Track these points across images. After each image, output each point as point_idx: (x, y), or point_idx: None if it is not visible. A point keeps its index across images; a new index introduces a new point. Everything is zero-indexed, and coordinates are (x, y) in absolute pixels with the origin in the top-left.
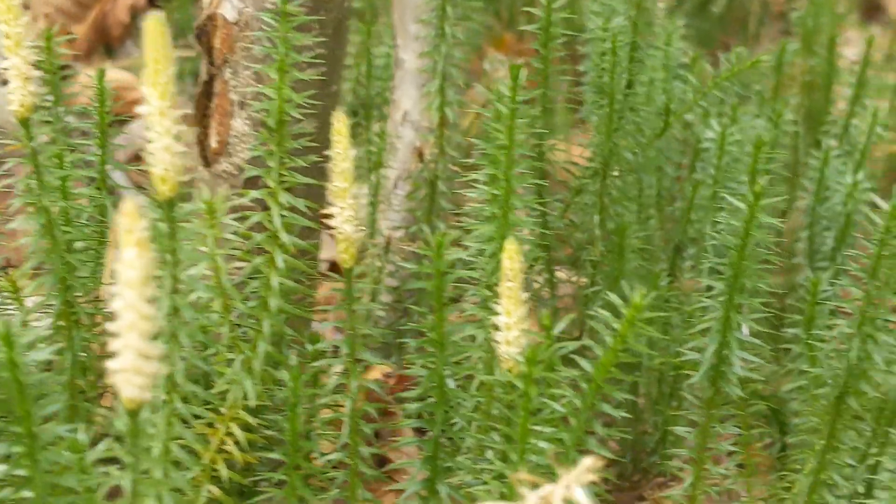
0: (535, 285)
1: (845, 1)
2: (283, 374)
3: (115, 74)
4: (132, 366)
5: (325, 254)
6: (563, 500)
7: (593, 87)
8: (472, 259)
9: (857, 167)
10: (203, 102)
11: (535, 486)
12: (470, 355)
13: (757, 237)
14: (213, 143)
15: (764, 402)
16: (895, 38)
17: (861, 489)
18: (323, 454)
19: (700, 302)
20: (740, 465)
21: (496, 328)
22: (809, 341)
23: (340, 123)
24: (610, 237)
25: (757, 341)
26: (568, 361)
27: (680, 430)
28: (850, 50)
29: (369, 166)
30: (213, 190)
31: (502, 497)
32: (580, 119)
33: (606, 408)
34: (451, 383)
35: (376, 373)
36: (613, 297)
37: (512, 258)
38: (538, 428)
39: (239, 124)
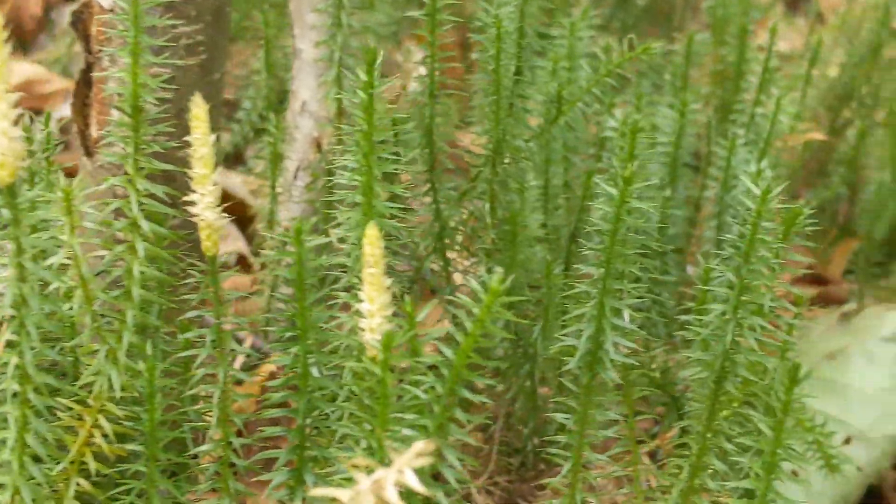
0: (430, 274)
1: None
2: (141, 365)
3: (27, 68)
4: None
5: (231, 246)
6: (395, 484)
7: (482, 74)
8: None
9: (761, 155)
10: (82, 92)
11: (370, 471)
12: (341, 343)
13: (628, 222)
14: (94, 132)
15: (659, 389)
16: (815, 30)
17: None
18: (194, 445)
19: (576, 288)
20: (627, 452)
21: (360, 315)
22: (695, 327)
23: (198, 108)
24: (502, 225)
25: (635, 328)
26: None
27: (560, 416)
28: (781, 43)
29: (269, 157)
30: (97, 181)
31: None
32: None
33: (466, 393)
34: (315, 371)
35: (269, 368)
36: (473, 283)
37: (372, 244)
38: (400, 415)
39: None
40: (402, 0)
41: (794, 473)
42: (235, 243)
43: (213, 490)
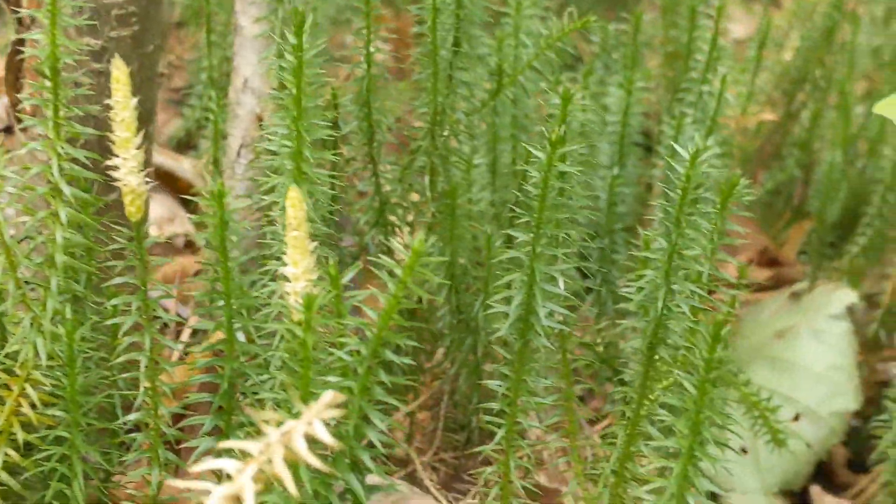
0: (373, 249)
1: None
2: (60, 329)
3: None
4: None
5: (178, 228)
6: (304, 436)
7: (422, 47)
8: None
9: (707, 132)
10: (14, 65)
11: (280, 424)
12: (272, 310)
13: (557, 185)
14: (28, 105)
15: (604, 364)
16: (770, 10)
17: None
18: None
19: (507, 254)
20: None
21: (286, 280)
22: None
23: (119, 71)
24: (442, 199)
25: (565, 293)
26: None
27: (492, 383)
28: (736, 27)
29: (211, 135)
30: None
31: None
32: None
33: (390, 355)
34: (241, 337)
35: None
36: (394, 244)
37: (295, 206)
38: (323, 378)
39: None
40: None
41: (744, 451)
42: (182, 225)
43: (144, 459)
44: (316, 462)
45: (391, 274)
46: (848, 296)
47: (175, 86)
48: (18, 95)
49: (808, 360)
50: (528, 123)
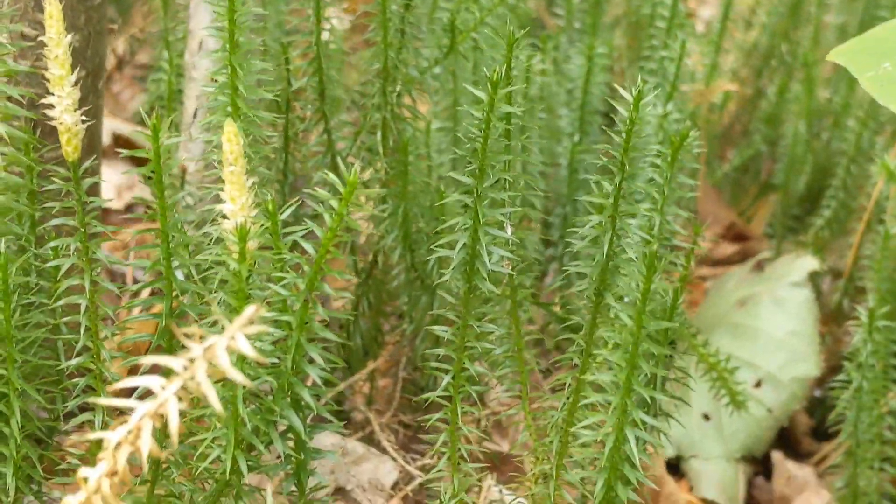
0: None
1: None
2: None
3: None
4: None
5: (138, 193)
6: (227, 350)
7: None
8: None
9: (667, 98)
10: None
11: (202, 339)
12: (209, 250)
13: (499, 126)
14: None
15: (556, 318)
16: None
17: None
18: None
19: (448, 198)
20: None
21: (224, 217)
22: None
23: (52, 6)
24: (394, 155)
25: (510, 237)
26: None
27: (438, 329)
28: (705, 10)
29: (165, 96)
30: None
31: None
32: None
33: (327, 289)
34: (179, 274)
35: None
36: (331, 177)
37: (231, 140)
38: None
39: None
40: None
41: (706, 417)
42: (142, 193)
43: (85, 405)
44: (240, 377)
45: (328, 207)
46: (809, 263)
47: (140, 62)
48: None
49: (769, 326)
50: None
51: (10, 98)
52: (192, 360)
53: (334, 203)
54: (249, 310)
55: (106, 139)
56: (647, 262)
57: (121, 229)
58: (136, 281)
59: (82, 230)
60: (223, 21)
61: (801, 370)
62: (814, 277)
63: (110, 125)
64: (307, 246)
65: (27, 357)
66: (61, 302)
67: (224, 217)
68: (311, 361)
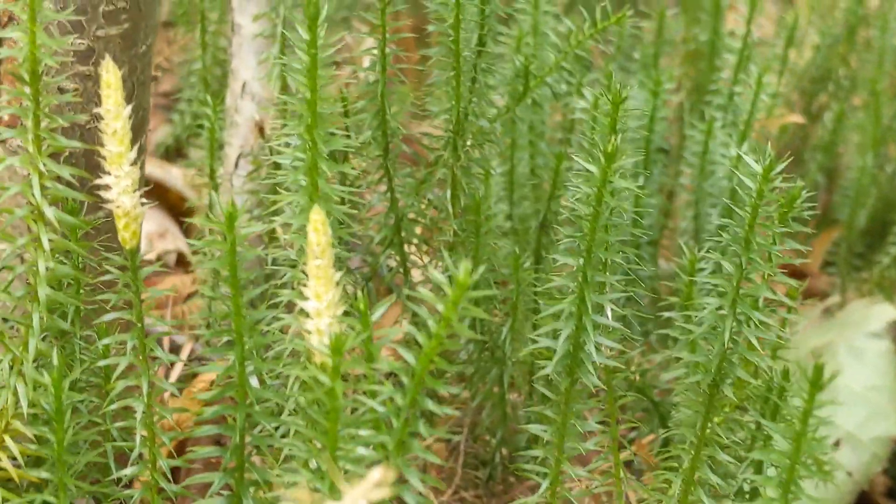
0: (387, 271)
1: None
2: (46, 378)
3: None
4: None
5: (170, 244)
6: None
7: (441, 47)
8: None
9: (741, 138)
10: None
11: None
12: (284, 349)
13: (612, 204)
14: (5, 115)
15: (641, 394)
16: (787, 9)
17: (746, 488)
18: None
19: (553, 282)
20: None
21: (306, 315)
22: (685, 325)
23: (110, 75)
24: (465, 215)
25: (618, 325)
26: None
27: (535, 428)
28: (741, 25)
29: (207, 144)
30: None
31: None
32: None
33: (430, 404)
34: (254, 381)
35: (207, 380)
36: (436, 275)
37: (318, 231)
38: (353, 431)
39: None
40: None
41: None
42: (174, 241)
43: None
44: None
45: (432, 310)
46: (888, 312)
47: (163, 90)
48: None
49: (847, 380)
50: (546, 130)
51: (58, 178)
52: None
53: (440, 307)
54: (375, 474)
55: None
56: (812, 377)
57: (169, 292)
58: (195, 357)
59: (140, 326)
60: (304, 91)
61: (883, 428)
62: (893, 327)
63: None
64: (407, 355)
65: (79, 484)
66: (115, 405)
67: (304, 314)
68: (407, 483)
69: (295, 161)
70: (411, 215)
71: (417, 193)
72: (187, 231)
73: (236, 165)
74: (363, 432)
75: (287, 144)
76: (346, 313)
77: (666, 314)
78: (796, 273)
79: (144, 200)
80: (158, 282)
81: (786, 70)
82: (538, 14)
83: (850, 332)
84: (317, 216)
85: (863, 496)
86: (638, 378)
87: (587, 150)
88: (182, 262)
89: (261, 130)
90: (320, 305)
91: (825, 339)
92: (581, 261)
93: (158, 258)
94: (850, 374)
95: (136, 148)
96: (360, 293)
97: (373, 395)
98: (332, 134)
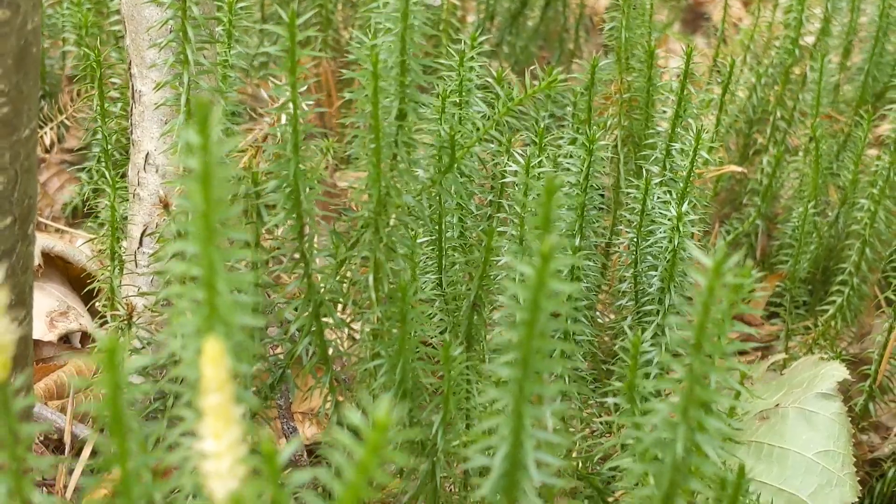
0: (307, 357)
1: (666, 11)
2: None
3: None
4: None
5: (73, 323)
6: None
7: (359, 117)
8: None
9: (681, 197)
10: None
11: None
12: (180, 492)
13: (548, 309)
14: None
15: (586, 482)
16: (720, 49)
17: None
18: None
19: (486, 394)
20: None
21: (203, 457)
22: (631, 406)
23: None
24: (389, 302)
25: (558, 439)
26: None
27: None
28: (673, 62)
29: (110, 221)
30: None
31: None
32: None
33: None
34: None
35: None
36: (351, 415)
37: (215, 364)
38: None
39: None
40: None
41: None
42: (77, 319)
43: None
44: None
45: (350, 455)
46: (837, 371)
47: (69, 145)
48: None
49: (797, 446)
50: (475, 190)
51: None
52: None
53: (358, 452)
54: None
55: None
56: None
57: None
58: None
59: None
60: (197, 201)
61: (837, 496)
62: (843, 387)
63: (40, 241)
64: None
65: None
66: None
67: (204, 457)
68: None
69: (187, 276)
70: (329, 298)
71: (337, 275)
72: (92, 308)
73: (140, 243)
74: None
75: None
76: (251, 452)
77: (611, 400)
78: (738, 320)
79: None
80: (60, 364)
81: (723, 115)
82: (464, 70)
83: (800, 392)
84: (213, 348)
85: None
86: (580, 466)
87: (518, 233)
88: (88, 340)
89: (165, 206)
90: (220, 446)
91: (773, 401)
92: (517, 372)
93: (61, 338)
94: (801, 441)
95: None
96: (267, 430)
97: None
98: (229, 249)
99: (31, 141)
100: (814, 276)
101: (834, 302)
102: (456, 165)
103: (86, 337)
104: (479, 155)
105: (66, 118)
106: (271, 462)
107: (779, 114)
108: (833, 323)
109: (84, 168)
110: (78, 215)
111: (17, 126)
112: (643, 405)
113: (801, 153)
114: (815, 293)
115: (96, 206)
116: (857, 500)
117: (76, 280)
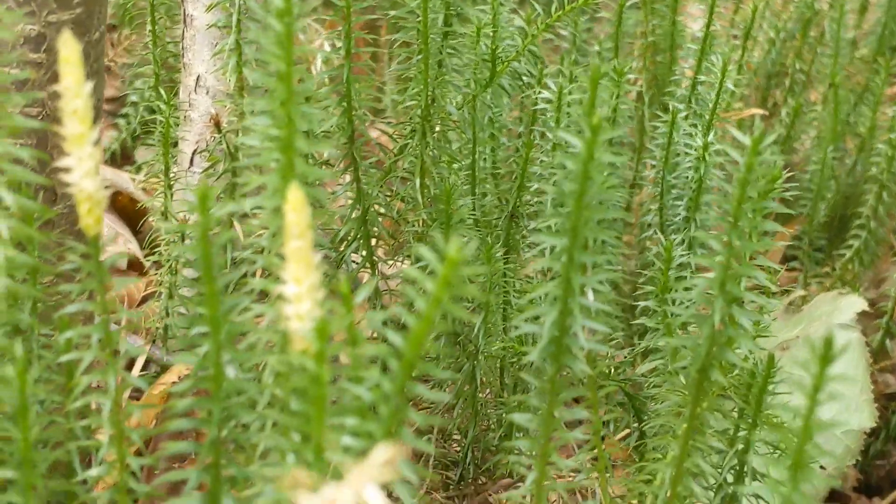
0: (353, 266)
1: None
2: (9, 371)
3: None
4: None
5: (121, 247)
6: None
7: (409, 30)
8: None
9: (706, 128)
10: None
11: (316, 487)
12: (259, 338)
13: (597, 180)
14: None
15: (617, 384)
16: (736, 7)
17: (730, 478)
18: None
19: (535, 265)
20: (593, 459)
21: (284, 300)
22: (664, 309)
23: (69, 50)
24: (434, 204)
25: (605, 307)
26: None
27: (520, 417)
28: (695, 25)
29: (161, 141)
30: None
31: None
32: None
33: (422, 389)
34: (231, 371)
35: (174, 375)
36: (425, 252)
37: (297, 210)
38: (339, 420)
39: None
40: None
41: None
42: (126, 245)
43: None
44: None
45: (421, 289)
46: (856, 303)
47: (107, 95)
48: None
49: None
50: (506, 123)
51: (17, 160)
52: None
53: (430, 285)
54: (381, 451)
55: None
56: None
57: (136, 280)
58: (153, 358)
59: (104, 318)
60: (278, 62)
61: (856, 421)
62: (862, 317)
63: None
64: (395, 338)
65: (52, 484)
66: (78, 403)
67: (284, 301)
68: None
69: (266, 140)
70: (377, 208)
71: (383, 185)
72: (140, 234)
73: (191, 162)
74: (349, 421)
75: (257, 124)
76: (327, 298)
77: (643, 303)
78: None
79: (107, 185)
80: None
81: (743, 63)
82: (497, 3)
83: (819, 324)
84: (295, 195)
85: (833, 491)
86: (613, 371)
87: (553, 140)
88: (134, 268)
89: (217, 124)
90: (300, 289)
91: (793, 333)
92: (566, 241)
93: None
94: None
95: (97, 129)
96: (340, 276)
97: (358, 381)
98: (309, 111)
99: (101, 44)
100: (831, 223)
101: (851, 246)
102: (496, 80)
103: (132, 263)
104: (519, 75)
105: (104, 66)
106: (347, 301)
107: (798, 66)
108: (850, 266)
109: (123, 115)
110: (117, 160)
111: (89, 27)
112: (679, 283)
113: (819, 106)
114: (833, 242)
115: (137, 144)
116: (874, 425)
117: (123, 209)
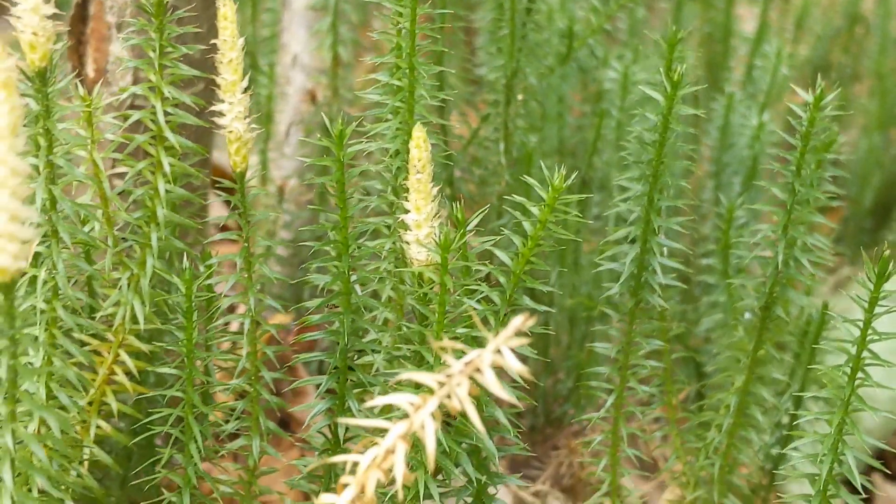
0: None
1: None
2: (177, 281)
3: None
4: (4, 230)
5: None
6: (492, 365)
7: (492, 5)
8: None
9: (762, 109)
10: (77, 28)
11: (459, 353)
12: (378, 267)
13: (676, 130)
14: (91, 71)
15: (679, 342)
16: (786, 10)
17: (784, 420)
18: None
19: (616, 207)
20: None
21: (405, 227)
22: (725, 267)
23: (226, 7)
24: (515, 168)
25: (678, 245)
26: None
27: (600, 346)
28: (744, 25)
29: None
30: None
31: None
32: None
33: (529, 302)
34: (358, 289)
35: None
36: (530, 180)
37: (420, 147)
38: (452, 329)
39: (117, 49)
40: None
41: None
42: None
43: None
44: (505, 395)
45: (526, 212)
46: None
47: None
48: (95, 70)
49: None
50: (574, 103)
51: (178, 104)
52: (450, 377)
53: (536, 210)
54: (516, 320)
55: None
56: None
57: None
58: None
59: (246, 245)
60: (404, 21)
61: None
62: None
63: None
64: (504, 257)
65: (206, 378)
66: (220, 321)
67: (405, 228)
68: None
69: (390, 87)
70: (459, 173)
71: (466, 150)
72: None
73: (287, 135)
74: (463, 330)
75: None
76: (443, 225)
77: (705, 261)
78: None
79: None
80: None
81: (795, 53)
82: None
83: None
84: (419, 133)
85: (880, 455)
86: (675, 326)
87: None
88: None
89: (313, 98)
90: (420, 217)
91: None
92: (646, 186)
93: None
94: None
95: (247, 77)
96: (455, 204)
97: (470, 294)
98: (427, 63)
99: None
100: (876, 209)
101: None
102: (574, 55)
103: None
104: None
105: None
106: (462, 225)
107: (844, 61)
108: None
109: None
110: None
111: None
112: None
113: (864, 99)
114: (878, 225)
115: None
116: None
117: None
